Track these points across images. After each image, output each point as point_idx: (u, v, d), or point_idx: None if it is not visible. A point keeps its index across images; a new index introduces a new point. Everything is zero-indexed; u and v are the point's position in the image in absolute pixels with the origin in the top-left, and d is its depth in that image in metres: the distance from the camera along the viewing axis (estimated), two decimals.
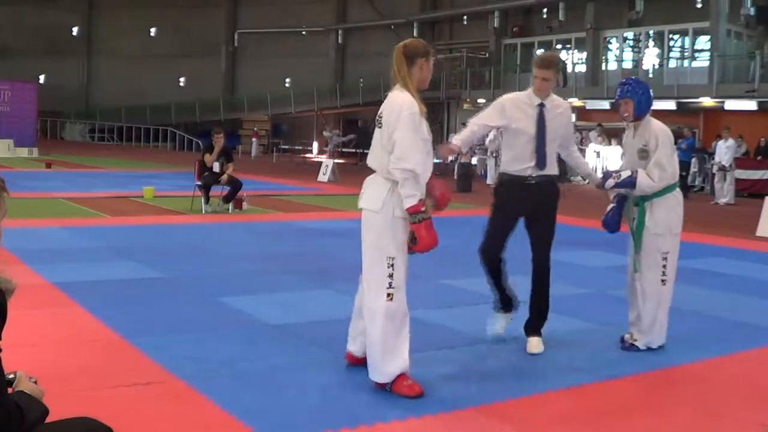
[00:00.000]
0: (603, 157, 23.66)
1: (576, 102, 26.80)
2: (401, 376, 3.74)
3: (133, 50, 41.46)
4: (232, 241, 8.93)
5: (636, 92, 4.74)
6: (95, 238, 8.47)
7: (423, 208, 3.67)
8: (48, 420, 2.04)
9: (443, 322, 5.27)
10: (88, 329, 4.75)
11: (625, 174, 4.72)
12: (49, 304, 5.30)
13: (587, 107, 26.93)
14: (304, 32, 39.47)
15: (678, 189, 4.84)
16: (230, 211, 11.48)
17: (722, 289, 6.90)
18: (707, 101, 23.19)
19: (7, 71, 33.76)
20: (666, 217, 4.71)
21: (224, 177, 11.27)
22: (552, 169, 4.75)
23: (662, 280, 4.77)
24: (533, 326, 4.78)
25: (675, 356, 4.64)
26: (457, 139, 4.70)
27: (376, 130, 3.85)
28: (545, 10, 31.20)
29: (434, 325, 5.20)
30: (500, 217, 4.76)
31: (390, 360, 3.72)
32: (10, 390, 2.02)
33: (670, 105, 24.27)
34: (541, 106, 4.78)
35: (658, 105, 20.60)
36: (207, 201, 11.43)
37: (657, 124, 4.78)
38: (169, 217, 10.93)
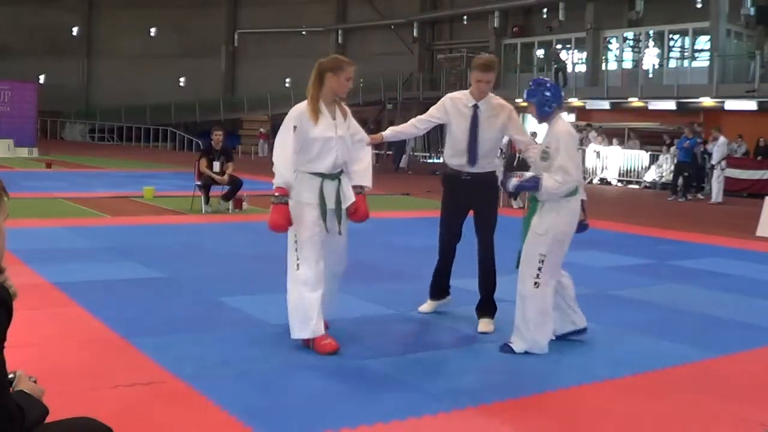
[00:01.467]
0: (603, 157, 23.69)
1: (576, 102, 26.81)
2: (320, 336, 4.38)
3: (133, 50, 41.46)
4: (232, 241, 8.93)
5: (535, 94, 4.63)
6: (95, 238, 8.47)
7: (277, 194, 4.36)
8: (48, 420, 2.04)
9: (443, 322, 5.27)
10: (88, 329, 4.75)
11: (529, 175, 4.62)
12: (49, 304, 5.30)
13: (587, 107, 26.94)
14: (304, 32, 39.47)
15: (577, 196, 4.61)
16: (230, 210, 11.48)
17: (722, 289, 6.90)
18: (707, 101, 23.19)
19: (7, 71, 33.74)
20: (552, 221, 4.53)
21: (224, 177, 11.28)
22: (487, 166, 5.10)
23: (535, 283, 4.53)
24: (483, 308, 5.13)
25: (675, 356, 4.64)
26: (388, 131, 5.29)
27: None
28: (545, 10, 31.19)
29: (434, 325, 5.20)
30: (444, 208, 5.27)
31: (303, 324, 4.40)
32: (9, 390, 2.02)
33: (670, 105, 24.29)
34: (476, 107, 5.04)
35: (658, 105, 20.65)
36: (207, 201, 11.42)
37: (561, 126, 4.61)
38: (169, 217, 10.93)
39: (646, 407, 3.75)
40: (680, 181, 18.66)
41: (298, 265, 4.41)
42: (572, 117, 27.45)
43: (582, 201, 4.70)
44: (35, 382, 2.13)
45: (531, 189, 4.60)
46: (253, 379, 3.91)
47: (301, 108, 4.51)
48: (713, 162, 18.13)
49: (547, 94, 4.63)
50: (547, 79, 4.90)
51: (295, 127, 4.44)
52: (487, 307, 5.14)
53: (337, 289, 4.84)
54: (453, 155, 5.15)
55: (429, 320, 5.30)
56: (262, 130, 35.42)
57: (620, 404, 3.80)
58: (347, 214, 4.61)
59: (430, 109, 5.27)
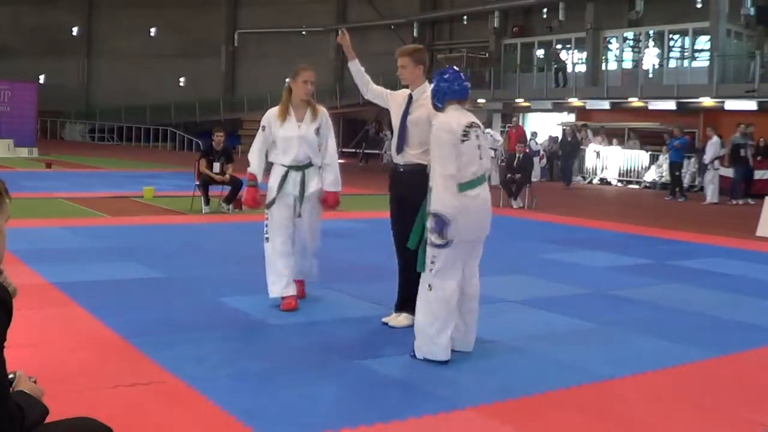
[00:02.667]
0: (603, 157, 23.69)
1: (576, 102, 26.80)
2: (285, 297, 5.36)
3: (133, 50, 41.45)
4: (232, 241, 8.93)
5: (433, 81, 4.46)
6: (95, 238, 8.47)
7: (248, 178, 5.54)
8: (48, 420, 2.04)
9: None
10: (88, 329, 4.75)
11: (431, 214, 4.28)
12: (49, 304, 5.30)
13: (587, 107, 26.93)
14: (304, 32, 39.46)
15: (469, 193, 4.24)
16: (230, 211, 11.48)
17: (722, 289, 6.90)
18: (707, 101, 23.19)
19: (7, 71, 33.75)
20: None
21: (225, 176, 11.28)
22: (417, 158, 4.86)
23: (429, 285, 4.29)
24: (401, 304, 5.07)
25: (675, 356, 4.64)
26: (356, 62, 5.44)
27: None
28: (545, 10, 31.16)
29: None
30: (390, 203, 5.20)
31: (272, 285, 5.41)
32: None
33: (670, 105, 24.28)
34: (410, 96, 5.04)
35: (658, 105, 20.61)
36: (207, 202, 11.42)
37: (438, 119, 4.35)
38: (169, 217, 10.93)
39: (646, 407, 3.75)
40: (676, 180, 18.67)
41: (267, 238, 5.45)
42: (572, 117, 27.48)
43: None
44: (35, 382, 2.13)
45: (437, 225, 4.18)
46: (253, 379, 3.91)
47: (272, 111, 5.51)
48: (705, 161, 18.11)
49: (442, 84, 4.38)
50: (454, 69, 4.49)
51: (264, 128, 5.48)
52: (404, 305, 5.03)
53: (312, 257, 5.70)
54: (391, 146, 5.45)
55: None
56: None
57: (620, 404, 3.80)
58: (319, 201, 5.52)
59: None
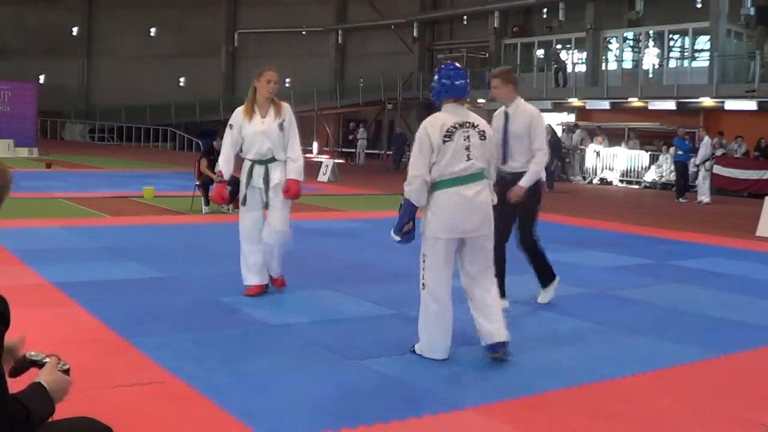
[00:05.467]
0: (603, 157, 23.69)
1: (576, 102, 26.81)
2: (250, 286, 5.86)
3: (133, 50, 41.47)
4: (232, 241, 8.89)
5: (433, 77, 4.54)
6: (95, 238, 8.47)
7: (217, 175, 5.99)
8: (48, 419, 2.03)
9: None
10: (88, 329, 4.75)
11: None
12: (49, 304, 5.30)
13: (587, 107, 26.94)
14: (304, 32, 39.47)
15: (448, 191, 4.29)
16: (230, 211, 11.47)
17: (722, 289, 6.90)
18: (707, 101, 23.20)
19: (7, 71, 33.78)
20: (427, 221, 4.35)
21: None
22: (520, 167, 5.64)
23: (422, 284, 4.37)
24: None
25: (675, 356, 4.64)
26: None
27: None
28: (545, 10, 31.18)
29: None
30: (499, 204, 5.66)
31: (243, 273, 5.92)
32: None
33: (670, 105, 24.29)
34: (506, 113, 5.77)
35: (658, 105, 20.61)
36: (207, 202, 11.42)
37: (426, 119, 4.42)
38: (169, 217, 10.93)
39: (646, 407, 3.75)
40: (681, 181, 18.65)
41: (240, 229, 5.95)
42: (572, 117, 27.49)
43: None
44: (67, 370, 2.07)
45: (404, 214, 4.38)
46: (253, 379, 3.91)
47: (239, 110, 5.88)
48: (697, 162, 18.08)
49: (440, 82, 4.42)
50: (454, 66, 4.55)
51: (231, 126, 5.85)
52: None
53: (274, 251, 5.88)
54: None
55: None
56: None
57: (620, 404, 3.80)
58: (282, 192, 5.75)
59: None
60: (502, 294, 5.26)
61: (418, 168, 4.28)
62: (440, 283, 4.32)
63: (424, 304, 4.38)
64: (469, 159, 4.29)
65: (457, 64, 4.65)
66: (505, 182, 5.49)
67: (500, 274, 5.28)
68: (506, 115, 5.64)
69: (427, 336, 4.36)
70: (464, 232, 4.32)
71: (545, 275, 5.99)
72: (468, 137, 4.31)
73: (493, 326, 4.36)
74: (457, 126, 4.30)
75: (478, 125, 4.40)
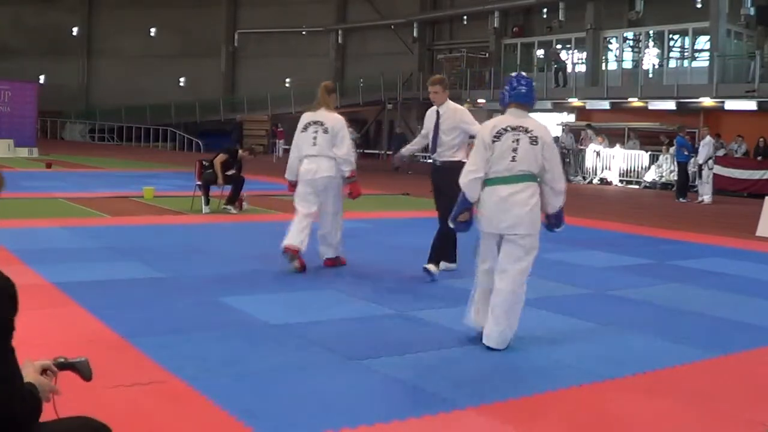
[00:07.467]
0: (603, 157, 23.69)
1: (576, 102, 26.81)
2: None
3: (133, 50, 41.45)
4: (232, 241, 8.93)
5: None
6: (95, 238, 8.47)
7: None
8: (48, 419, 2.03)
9: (443, 322, 5.26)
10: (88, 329, 4.75)
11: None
12: (49, 304, 5.30)
13: (587, 107, 26.94)
14: (304, 32, 39.46)
15: (487, 189, 4.69)
16: (237, 211, 11.44)
17: (722, 289, 6.90)
18: (707, 101, 23.19)
19: (7, 71, 33.76)
20: (479, 211, 4.87)
21: (221, 182, 11.29)
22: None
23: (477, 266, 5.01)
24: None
25: (675, 356, 4.64)
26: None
27: (322, 132, 7.05)
28: (545, 10, 31.17)
29: (434, 325, 5.20)
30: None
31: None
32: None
33: (670, 105, 24.29)
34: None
35: (658, 105, 20.63)
36: (207, 203, 11.41)
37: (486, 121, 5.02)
38: (169, 217, 10.93)
39: (646, 407, 3.75)
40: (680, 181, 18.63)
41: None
42: (572, 117, 27.48)
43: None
44: (53, 375, 2.08)
45: (459, 205, 4.80)
46: (253, 379, 3.91)
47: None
48: (699, 162, 18.07)
49: (507, 88, 4.81)
50: (521, 76, 4.92)
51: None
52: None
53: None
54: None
55: (429, 320, 5.30)
56: (280, 128, 33.14)
57: (620, 404, 3.80)
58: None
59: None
60: (453, 259, 7.00)
61: (472, 163, 4.71)
62: (482, 269, 4.79)
63: (474, 284, 4.88)
64: (513, 160, 4.58)
65: (524, 74, 5.16)
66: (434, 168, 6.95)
67: (452, 244, 6.85)
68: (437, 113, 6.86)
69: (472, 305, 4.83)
70: (498, 229, 4.64)
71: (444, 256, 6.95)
72: (517, 140, 4.58)
73: (489, 329, 4.64)
74: (508, 129, 4.61)
75: (531, 130, 4.61)
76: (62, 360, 2.14)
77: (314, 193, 7.03)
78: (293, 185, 7.24)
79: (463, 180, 4.70)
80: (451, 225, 4.92)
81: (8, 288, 1.88)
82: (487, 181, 4.64)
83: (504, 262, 4.65)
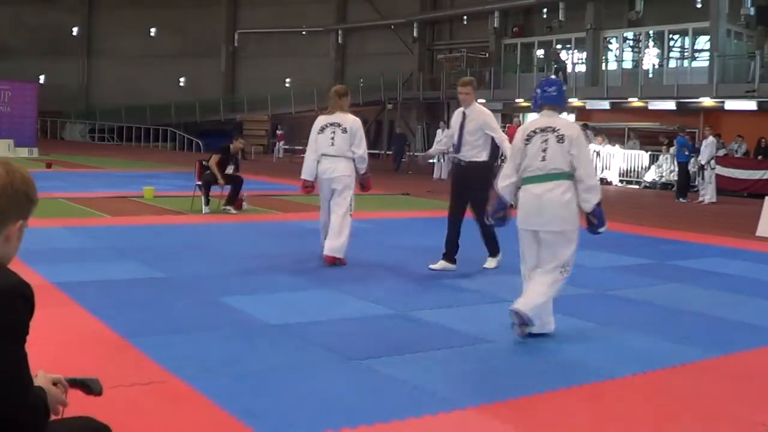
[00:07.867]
0: (603, 157, 23.68)
1: (576, 102, 26.80)
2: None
3: (133, 50, 41.44)
4: (232, 241, 8.93)
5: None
6: (95, 238, 8.47)
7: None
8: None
9: (443, 322, 5.26)
10: (88, 329, 4.75)
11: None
12: (49, 304, 5.28)
13: (587, 107, 26.93)
14: (304, 32, 39.46)
15: (524, 186, 4.98)
16: (236, 211, 11.43)
17: (722, 289, 6.90)
18: (707, 101, 23.18)
19: (7, 71, 33.75)
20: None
21: (222, 182, 11.28)
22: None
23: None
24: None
25: (675, 356, 4.64)
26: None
27: (341, 132, 7.39)
28: (545, 10, 31.16)
29: (434, 325, 5.20)
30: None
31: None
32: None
33: (670, 105, 24.28)
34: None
35: (658, 105, 20.64)
36: (207, 203, 11.41)
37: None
38: (169, 217, 10.93)
39: (646, 407, 3.75)
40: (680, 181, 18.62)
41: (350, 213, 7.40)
42: (572, 117, 27.47)
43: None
44: (63, 388, 2.10)
45: (496, 204, 5.16)
46: (253, 379, 3.91)
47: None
48: (702, 162, 18.06)
49: (537, 91, 5.07)
50: (553, 79, 5.41)
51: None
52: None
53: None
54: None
55: (429, 320, 5.30)
56: (280, 130, 34.10)
57: (620, 404, 3.80)
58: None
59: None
60: (452, 261, 7.14)
61: (507, 167, 5.04)
62: (523, 265, 5.02)
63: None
64: (544, 159, 4.80)
65: (554, 77, 5.18)
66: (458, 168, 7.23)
67: (452, 243, 7.13)
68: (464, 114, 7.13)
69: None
70: (533, 226, 4.85)
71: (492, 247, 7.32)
72: (546, 140, 4.79)
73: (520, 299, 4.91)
74: (537, 130, 4.85)
75: (558, 129, 4.82)
76: (74, 377, 2.16)
77: (334, 190, 7.38)
78: (307, 185, 7.53)
79: (499, 185, 5.01)
80: (490, 221, 5.28)
81: (24, 291, 1.88)
82: (524, 181, 4.91)
83: (538, 259, 4.90)
